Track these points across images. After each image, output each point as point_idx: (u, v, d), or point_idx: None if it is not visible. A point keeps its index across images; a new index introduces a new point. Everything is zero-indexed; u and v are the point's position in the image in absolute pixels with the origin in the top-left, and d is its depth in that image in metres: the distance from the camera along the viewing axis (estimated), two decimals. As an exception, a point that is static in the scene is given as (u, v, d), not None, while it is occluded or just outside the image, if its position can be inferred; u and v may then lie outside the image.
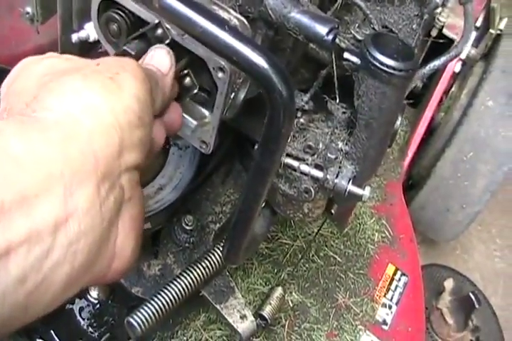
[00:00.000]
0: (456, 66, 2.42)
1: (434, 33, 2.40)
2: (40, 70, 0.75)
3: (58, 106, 0.67)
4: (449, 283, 2.59)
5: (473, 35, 2.52)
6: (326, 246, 1.78)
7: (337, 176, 1.15)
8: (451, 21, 2.44)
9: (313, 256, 1.76)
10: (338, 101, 1.23)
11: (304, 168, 1.15)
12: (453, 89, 2.61)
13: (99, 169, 0.66)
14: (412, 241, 1.95)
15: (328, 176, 1.14)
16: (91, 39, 1.17)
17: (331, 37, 1.07)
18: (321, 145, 1.17)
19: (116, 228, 0.72)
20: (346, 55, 1.23)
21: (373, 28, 1.38)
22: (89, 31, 1.17)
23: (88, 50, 1.28)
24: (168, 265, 1.42)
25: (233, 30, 0.80)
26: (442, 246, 2.87)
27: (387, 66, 1.07)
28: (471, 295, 2.47)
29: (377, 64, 1.07)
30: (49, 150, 0.63)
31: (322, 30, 1.07)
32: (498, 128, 2.26)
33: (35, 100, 0.68)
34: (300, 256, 1.71)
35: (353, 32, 1.34)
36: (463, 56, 2.44)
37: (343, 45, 1.34)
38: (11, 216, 0.58)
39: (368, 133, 1.15)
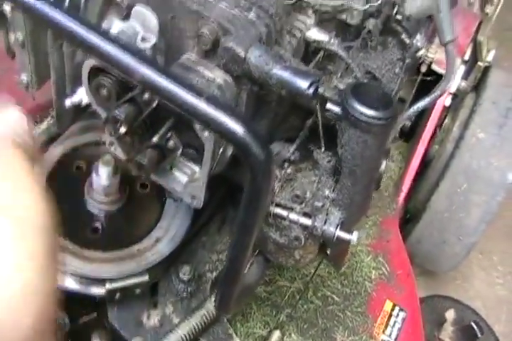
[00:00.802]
0: (446, 100, 2.47)
1: (423, 68, 2.47)
2: None
3: None
4: (450, 314, 2.59)
5: (462, 68, 2.58)
6: (324, 286, 1.81)
7: (325, 223, 1.20)
8: (439, 57, 2.50)
9: (311, 296, 1.79)
10: (323, 150, 1.28)
11: (293, 216, 1.20)
12: (446, 121, 2.65)
13: None
14: (410, 276, 1.98)
15: (316, 223, 1.19)
16: (83, 103, 1.23)
17: (312, 90, 1.13)
18: (308, 194, 1.22)
19: None
20: (329, 105, 1.28)
21: (355, 76, 1.43)
22: (82, 95, 1.23)
23: (83, 111, 1.34)
24: (167, 315, 1.45)
25: (210, 99, 0.85)
26: (442, 276, 2.87)
27: (367, 116, 1.12)
28: (472, 324, 2.48)
29: (357, 114, 1.12)
30: None
31: (303, 84, 1.13)
32: (490, 159, 2.30)
33: None
34: (298, 297, 1.75)
35: (335, 82, 1.40)
36: (452, 90, 2.49)
37: (327, 94, 1.40)
38: None
39: (353, 180, 1.20)
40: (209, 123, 0.85)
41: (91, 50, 0.91)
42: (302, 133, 1.31)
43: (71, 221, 1.45)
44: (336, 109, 1.23)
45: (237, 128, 0.83)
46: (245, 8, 1.24)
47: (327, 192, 1.23)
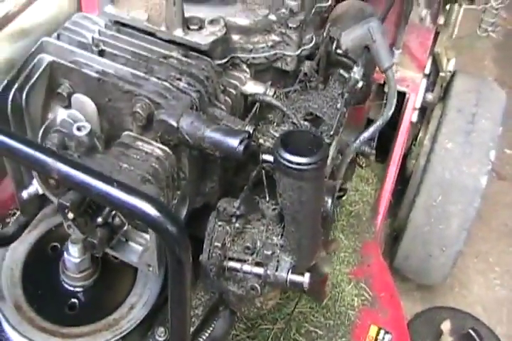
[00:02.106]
0: (412, 116, 2.52)
1: (387, 88, 2.52)
2: None
3: None
4: (445, 325, 2.61)
5: (424, 82, 2.64)
6: (307, 322, 1.87)
7: (277, 269, 1.27)
8: (400, 75, 2.57)
9: (294, 334, 1.84)
10: (268, 199, 1.36)
11: (246, 268, 1.28)
12: (420, 134, 2.71)
13: None
14: (394, 297, 2.01)
15: (268, 271, 1.27)
16: (40, 192, 1.32)
17: (242, 147, 1.21)
18: (258, 244, 1.30)
19: None
20: (265, 156, 1.36)
21: (293, 122, 1.50)
22: (37, 186, 1.31)
23: (46, 198, 1.42)
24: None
25: (120, 185, 0.93)
26: (439, 287, 2.88)
27: (296, 163, 1.18)
28: (471, 331, 2.52)
29: (287, 163, 1.18)
30: None
31: (234, 142, 1.21)
32: (462, 167, 2.35)
33: None
34: (281, 338, 1.80)
35: (271, 131, 1.47)
36: (417, 105, 2.55)
37: (268, 144, 1.47)
38: None
39: (296, 225, 1.27)
40: (121, 208, 0.92)
41: (11, 155, 0.99)
42: (246, 186, 1.37)
43: (49, 301, 1.52)
44: (271, 159, 1.29)
45: (148, 209, 0.91)
46: (176, 78, 1.34)
47: (275, 239, 1.30)
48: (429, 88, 2.73)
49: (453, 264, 2.46)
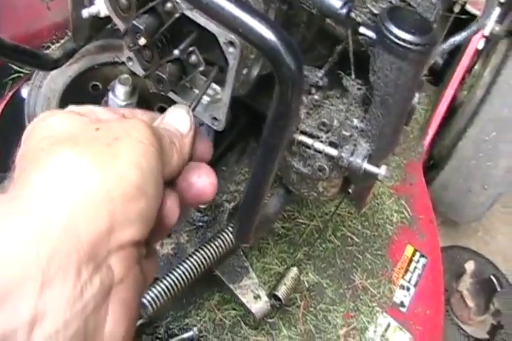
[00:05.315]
0: (479, 43, 2.37)
1: (456, 8, 2.37)
2: (40, 133, 0.69)
3: (41, 181, 0.62)
4: (469, 265, 2.54)
5: (497, 11, 2.46)
6: (344, 226, 1.77)
7: (352, 154, 1.12)
8: (474, -3, 2.40)
9: (330, 236, 1.74)
10: (353, 77, 1.20)
11: (318, 145, 1.13)
12: (476, 66, 2.56)
13: (82, 249, 0.59)
14: (432, 222, 1.92)
15: (342, 154, 1.12)
16: (102, 14, 1.16)
17: (345, 10, 1.05)
18: (335, 123, 1.15)
19: (104, 313, 0.64)
20: (362, 29, 1.19)
21: (390, 2, 1.35)
22: (100, 6, 1.15)
23: (101, 26, 1.26)
24: (181, 244, 1.41)
25: (240, 2, 0.77)
26: (464, 227, 2.81)
27: (404, 40, 1.03)
28: (492, 277, 2.44)
29: (393, 38, 1.03)
30: (26, 235, 0.58)
31: (336, 3, 1.05)
32: (522, 107, 2.22)
33: (23, 174, 0.64)
34: (316, 235, 1.69)
35: (369, 6, 1.31)
36: (486, 33, 2.39)
37: (358, 19, 1.31)
38: None
39: (384, 109, 1.12)
40: (237, 27, 0.76)
41: None
42: (331, 58, 1.22)
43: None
44: (370, 33, 1.14)
45: (269, 34, 0.75)
46: None
47: (356, 121, 1.15)
48: (499, 19, 2.55)
49: (490, 206, 2.36)
